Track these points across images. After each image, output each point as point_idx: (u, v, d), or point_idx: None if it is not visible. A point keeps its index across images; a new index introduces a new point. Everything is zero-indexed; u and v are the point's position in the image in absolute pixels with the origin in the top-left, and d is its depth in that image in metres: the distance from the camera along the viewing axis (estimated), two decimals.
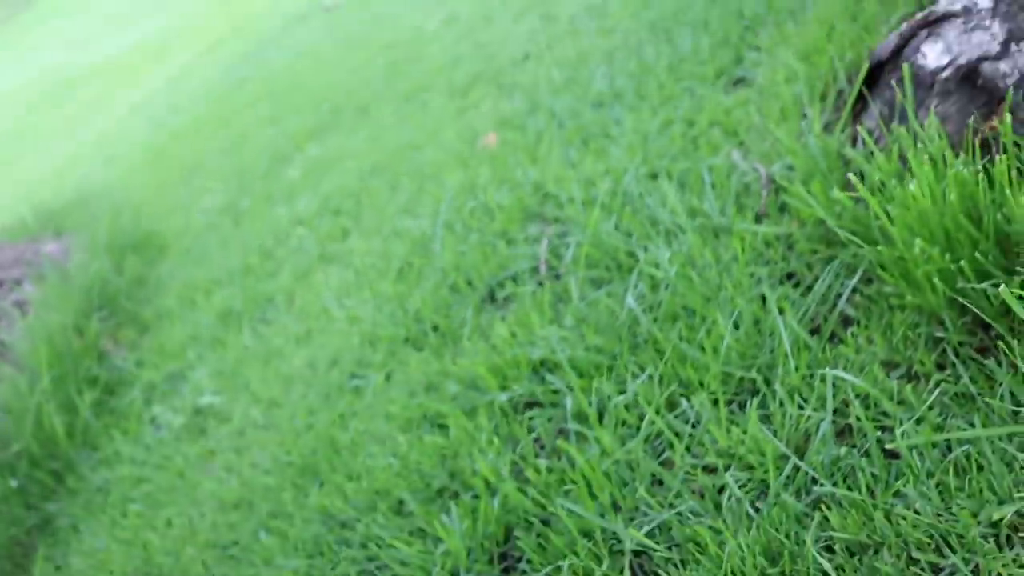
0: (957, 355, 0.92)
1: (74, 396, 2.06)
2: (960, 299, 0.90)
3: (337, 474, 1.37)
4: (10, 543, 1.84)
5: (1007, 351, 0.86)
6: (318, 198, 2.60)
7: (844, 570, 0.81)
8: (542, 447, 1.17)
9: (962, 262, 0.89)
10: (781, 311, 1.08)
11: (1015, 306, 0.80)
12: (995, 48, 1.03)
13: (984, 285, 0.88)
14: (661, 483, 1.02)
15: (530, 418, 1.19)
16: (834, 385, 0.96)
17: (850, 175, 1.01)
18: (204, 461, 1.70)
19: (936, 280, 0.90)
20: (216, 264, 2.61)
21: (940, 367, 0.93)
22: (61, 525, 1.83)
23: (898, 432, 0.87)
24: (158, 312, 2.51)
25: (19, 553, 1.84)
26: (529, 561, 1.02)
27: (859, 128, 1.16)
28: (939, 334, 0.94)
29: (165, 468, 1.74)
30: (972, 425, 0.85)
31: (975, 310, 0.88)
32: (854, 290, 1.06)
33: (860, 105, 1.23)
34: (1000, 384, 0.85)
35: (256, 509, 1.44)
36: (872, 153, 1.07)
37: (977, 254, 0.88)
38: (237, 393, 1.83)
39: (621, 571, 0.94)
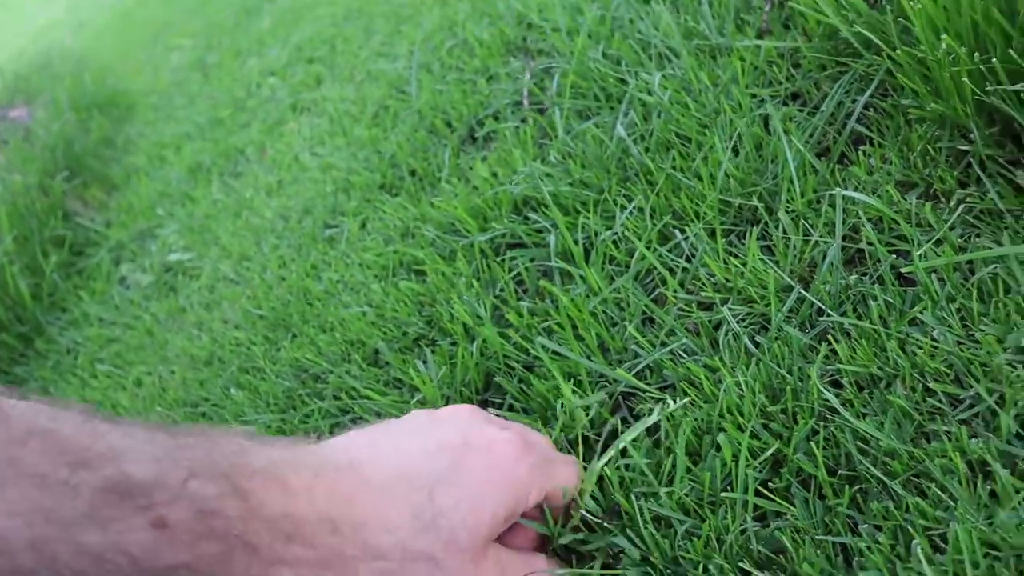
0: (983, 169, 0.82)
1: (39, 258, 1.97)
2: (989, 103, 0.80)
3: (309, 326, 1.29)
4: None
5: None
6: (289, 48, 2.45)
7: (852, 405, 0.73)
8: (524, 289, 1.08)
9: (994, 61, 0.78)
10: (785, 133, 0.98)
11: None
12: None
13: (1019, 87, 0.77)
14: (652, 321, 0.93)
15: (512, 259, 1.10)
16: (844, 209, 0.87)
17: None
18: (174, 319, 1.62)
19: (964, 82, 0.79)
20: (185, 120, 2.48)
21: (963, 184, 0.83)
22: (31, 388, 1.77)
23: (915, 255, 0.78)
24: (126, 171, 2.39)
25: None
26: (511, 407, 0.95)
27: None
28: (963, 147, 0.84)
29: (134, 327, 1.66)
30: (999, 244, 0.76)
31: (1009, 113, 0.78)
32: (867, 106, 0.95)
33: None
34: None
35: (227, 365, 1.37)
36: None
37: (1011, 51, 0.77)
38: (207, 248, 1.73)
39: (611, 414, 0.87)
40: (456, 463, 0.66)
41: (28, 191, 2.19)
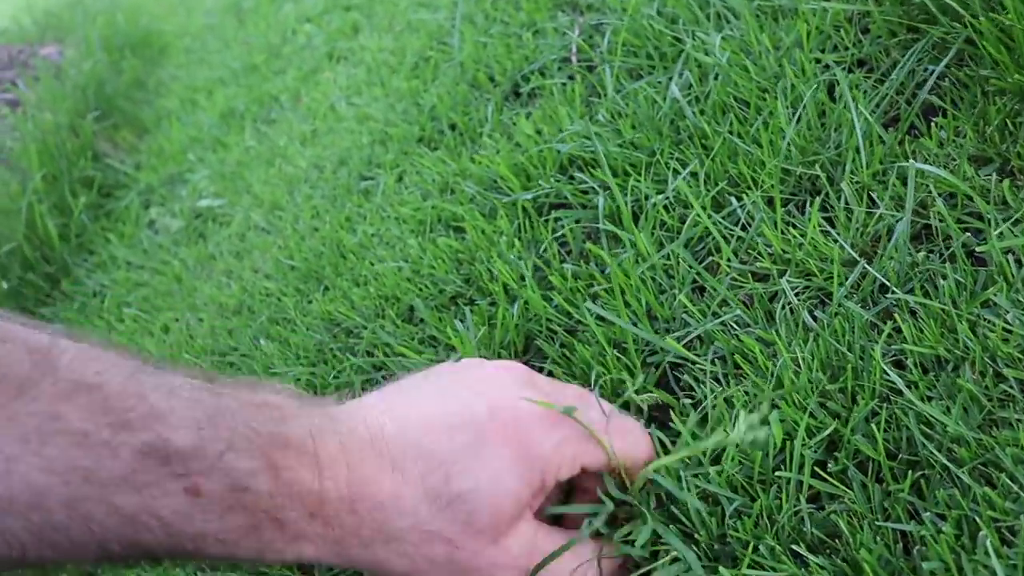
0: None
1: (68, 197, 1.95)
2: None
3: (343, 279, 1.26)
4: None
5: None
6: None
7: (917, 387, 0.70)
8: (568, 251, 1.05)
9: None
10: (852, 101, 0.93)
11: None
12: None
13: None
14: (704, 291, 0.90)
15: (556, 219, 1.07)
16: (914, 182, 0.83)
17: None
18: (203, 266, 1.60)
19: None
20: (219, 64, 2.44)
21: None
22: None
23: (990, 234, 0.74)
24: (158, 114, 2.37)
25: None
26: (551, 373, 0.92)
27: None
28: None
29: (162, 273, 1.64)
30: None
31: None
32: (941, 76, 0.91)
33: None
34: None
35: (256, 315, 1.34)
36: None
37: None
38: (238, 196, 1.70)
39: (656, 384, 0.84)
40: (478, 440, 0.64)
41: (58, 130, 2.17)
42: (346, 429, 0.62)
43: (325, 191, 1.51)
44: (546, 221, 1.08)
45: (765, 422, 0.70)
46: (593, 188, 1.07)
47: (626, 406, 0.82)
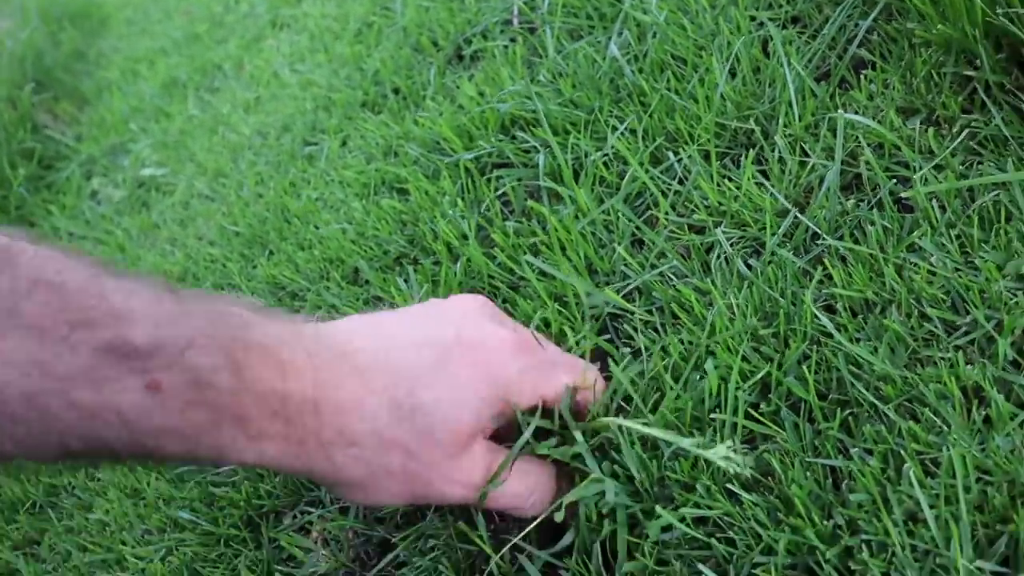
0: (989, 96, 0.80)
1: (6, 169, 1.91)
2: (998, 26, 0.77)
3: (287, 243, 1.26)
4: None
5: None
6: None
7: (847, 329, 0.72)
8: (511, 210, 1.05)
9: None
10: (785, 56, 0.95)
11: None
12: None
13: None
14: (643, 243, 0.91)
15: (498, 178, 1.08)
16: (843, 133, 0.85)
17: None
18: (146, 235, 1.58)
19: (975, 3, 0.77)
20: (160, 35, 2.40)
21: (967, 111, 0.81)
22: None
23: (915, 180, 0.77)
24: (99, 85, 2.32)
25: None
26: None
27: None
28: (968, 73, 0.82)
29: (105, 243, 1.62)
30: (1002, 171, 0.74)
31: (1019, 37, 0.76)
32: (870, 30, 0.93)
33: None
34: None
35: (201, 281, 1.33)
36: None
37: None
38: (181, 164, 1.68)
39: (597, 335, 0.85)
40: (444, 359, 0.65)
41: None
42: (312, 340, 0.63)
43: (269, 157, 1.50)
44: (488, 180, 1.09)
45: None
46: (534, 147, 1.08)
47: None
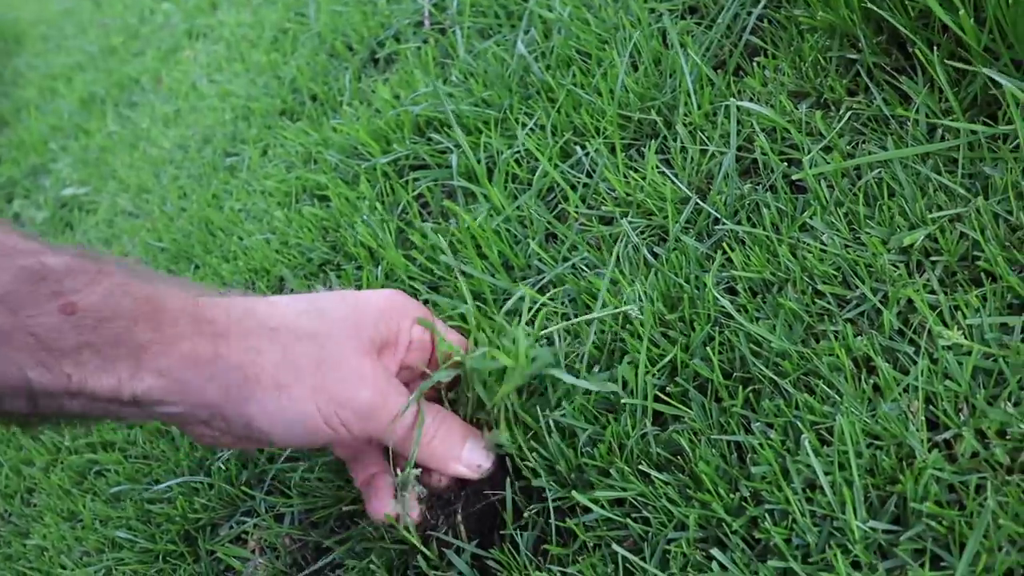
0: (871, 77, 0.83)
1: None
2: (876, 12, 0.81)
3: (212, 256, 1.26)
4: None
5: (925, 65, 0.78)
6: None
7: (747, 310, 0.75)
8: (429, 211, 1.07)
9: None
10: (682, 47, 0.98)
11: (936, 7, 0.71)
12: None
13: None
14: (555, 237, 0.94)
15: (415, 180, 1.09)
16: (739, 120, 0.88)
17: None
18: None
19: None
20: (76, 50, 2.37)
21: (852, 93, 0.85)
22: None
23: (805, 162, 0.80)
24: (15, 105, 2.29)
25: None
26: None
27: None
28: (852, 56, 0.85)
29: None
30: (884, 149, 0.78)
31: (892, 23, 0.79)
32: (761, 18, 0.96)
33: None
34: (915, 104, 0.78)
35: None
36: None
37: None
38: (103, 182, 1.67)
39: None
40: (342, 298, 0.72)
41: None
42: (222, 296, 0.67)
43: (191, 171, 1.50)
44: (406, 183, 1.10)
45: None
46: (448, 147, 1.10)
47: None
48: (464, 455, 0.75)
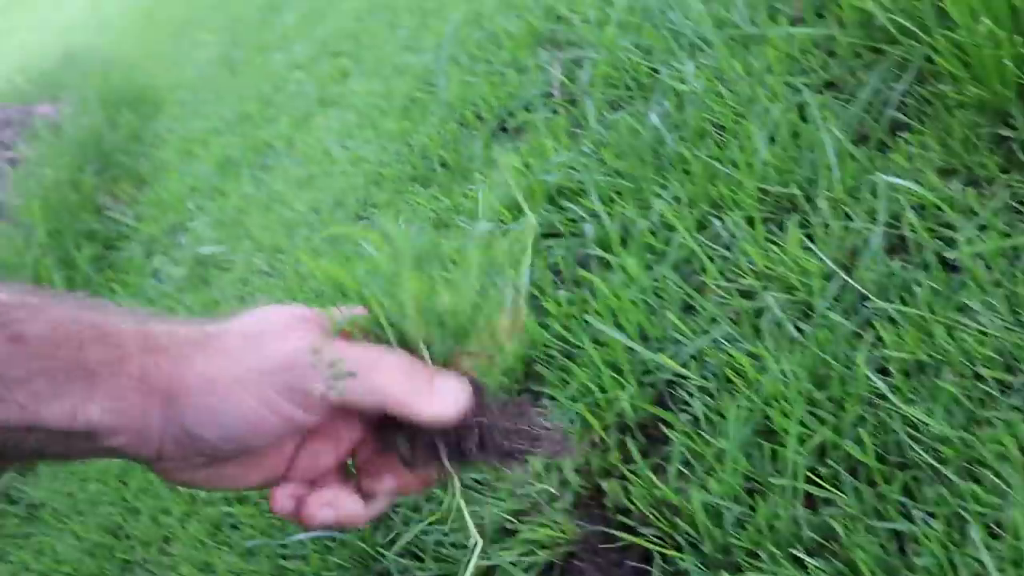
0: None
1: (72, 251, 1.99)
2: None
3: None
4: None
5: None
6: (315, 43, 2.46)
7: (901, 391, 0.73)
8: (562, 279, 1.08)
9: None
10: (823, 121, 0.98)
11: None
12: None
13: None
14: (693, 309, 0.94)
15: (548, 248, 1.11)
16: (885, 196, 0.87)
17: None
18: (208, 311, 1.63)
19: (1006, 65, 0.79)
20: (213, 115, 2.49)
21: (1005, 170, 0.83)
22: None
23: (961, 240, 0.78)
24: (156, 166, 2.41)
25: None
26: (552, 397, 0.95)
27: None
28: (1004, 133, 0.84)
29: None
30: None
31: None
32: (905, 93, 0.95)
33: None
34: None
35: None
36: None
37: None
38: (239, 242, 1.75)
39: (653, 403, 0.87)
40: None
41: (59, 186, 2.22)
42: (172, 321, 0.64)
43: (323, 233, 1.55)
44: (539, 251, 1.12)
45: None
46: (581, 216, 1.11)
47: (622, 422, 0.85)
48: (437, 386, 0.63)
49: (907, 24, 0.93)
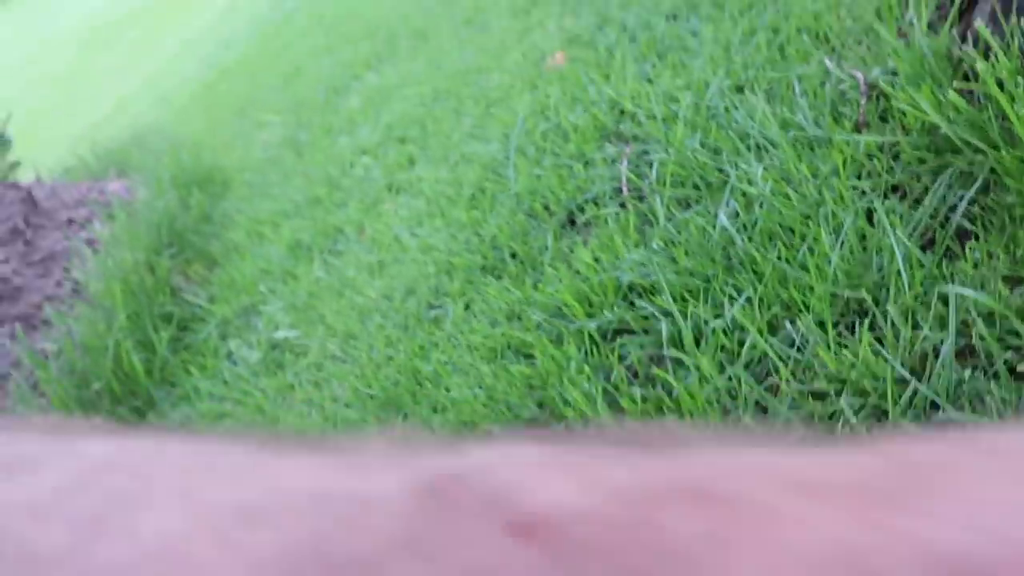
0: None
1: (151, 333, 2.08)
2: None
3: (421, 406, 1.35)
4: None
5: None
6: (380, 127, 2.56)
7: None
8: (635, 376, 1.13)
9: None
10: (891, 227, 1.02)
11: None
12: None
13: None
14: (766, 410, 0.97)
15: (621, 345, 1.15)
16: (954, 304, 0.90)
17: (968, 71, 0.93)
18: (283, 395, 1.70)
19: None
20: (281, 197, 2.59)
21: None
22: None
23: None
24: (227, 247, 2.51)
25: None
26: None
27: (975, 24, 1.07)
28: None
29: (244, 403, 1.75)
30: None
31: None
32: (970, 201, 0.99)
33: (969, 1, 1.14)
34: None
35: None
36: (989, 49, 0.99)
37: None
38: (312, 326, 1.81)
39: None
40: None
41: (137, 268, 2.31)
42: None
43: (396, 320, 1.61)
44: (611, 348, 1.16)
45: None
46: (653, 314, 1.16)
47: None
48: None
49: (972, 139, 0.98)
